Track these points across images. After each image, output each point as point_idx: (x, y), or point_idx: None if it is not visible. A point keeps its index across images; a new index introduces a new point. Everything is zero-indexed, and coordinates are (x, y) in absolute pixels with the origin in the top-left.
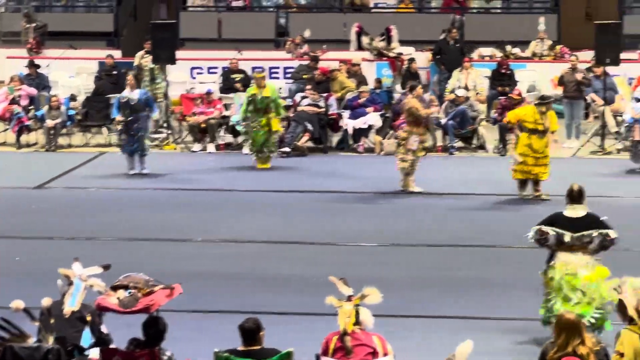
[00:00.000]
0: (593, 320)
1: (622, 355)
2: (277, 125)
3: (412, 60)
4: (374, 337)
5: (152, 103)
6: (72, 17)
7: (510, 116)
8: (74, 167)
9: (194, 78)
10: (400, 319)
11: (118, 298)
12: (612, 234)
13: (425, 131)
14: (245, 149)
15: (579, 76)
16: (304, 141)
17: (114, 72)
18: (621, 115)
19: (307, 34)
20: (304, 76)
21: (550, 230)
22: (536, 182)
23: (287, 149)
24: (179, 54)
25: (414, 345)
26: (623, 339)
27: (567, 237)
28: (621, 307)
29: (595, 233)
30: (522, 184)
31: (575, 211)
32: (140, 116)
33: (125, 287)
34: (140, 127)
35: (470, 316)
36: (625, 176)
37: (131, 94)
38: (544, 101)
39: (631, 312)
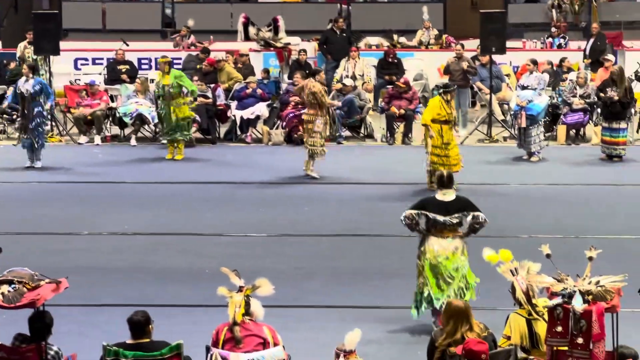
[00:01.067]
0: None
1: (509, 338)
2: (187, 111)
3: (301, 51)
4: (264, 327)
5: (49, 90)
6: None
7: (426, 118)
8: None
9: (79, 69)
10: (291, 309)
11: (2, 293)
12: (482, 216)
13: (327, 115)
14: (133, 141)
15: (464, 65)
16: (192, 132)
17: None
18: (507, 104)
19: (190, 23)
20: (198, 67)
21: (421, 214)
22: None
23: None
24: (62, 44)
25: (304, 335)
26: (510, 323)
27: (439, 219)
28: (512, 290)
29: (465, 215)
30: (433, 174)
31: (445, 196)
32: (34, 107)
33: (10, 282)
34: (35, 117)
35: (361, 305)
36: (512, 163)
37: (25, 85)
38: (447, 89)
39: (519, 295)
